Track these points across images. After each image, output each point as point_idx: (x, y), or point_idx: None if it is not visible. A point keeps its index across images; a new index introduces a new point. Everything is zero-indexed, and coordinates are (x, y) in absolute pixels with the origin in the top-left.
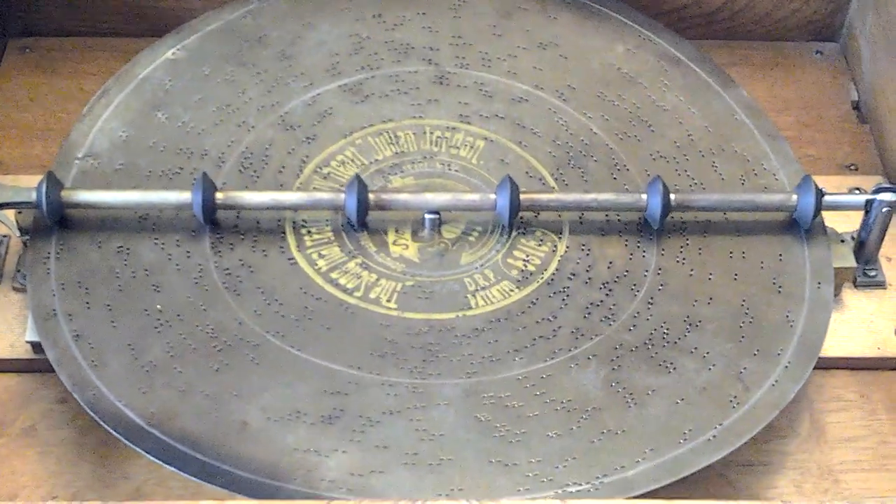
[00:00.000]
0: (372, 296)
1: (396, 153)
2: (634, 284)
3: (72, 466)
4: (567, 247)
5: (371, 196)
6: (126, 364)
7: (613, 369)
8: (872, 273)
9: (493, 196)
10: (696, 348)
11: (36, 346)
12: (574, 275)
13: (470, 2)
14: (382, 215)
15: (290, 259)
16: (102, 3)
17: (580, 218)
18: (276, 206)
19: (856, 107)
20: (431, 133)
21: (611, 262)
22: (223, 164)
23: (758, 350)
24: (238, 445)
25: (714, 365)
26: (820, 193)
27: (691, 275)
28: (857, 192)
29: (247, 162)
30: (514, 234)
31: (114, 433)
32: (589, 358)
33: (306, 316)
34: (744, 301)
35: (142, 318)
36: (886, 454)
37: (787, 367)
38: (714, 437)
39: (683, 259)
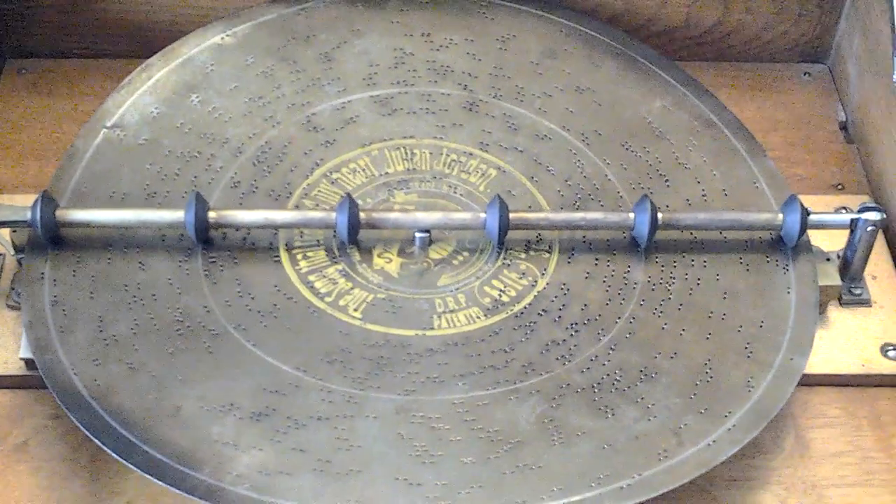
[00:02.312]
0: (341, 303)
1: (408, 169)
2: (602, 329)
3: (63, 482)
4: (547, 283)
5: (362, 215)
6: (90, 334)
7: (552, 407)
8: (857, 291)
9: (482, 215)
10: (642, 398)
11: (29, 363)
12: (545, 311)
13: (520, 38)
14: (376, 232)
15: (275, 256)
16: (98, 25)
17: (569, 258)
18: (267, 225)
19: (843, 127)
20: (447, 155)
21: (585, 305)
22: (240, 154)
23: (706, 409)
24: (164, 429)
25: (655, 416)
26: (805, 212)
27: (663, 328)
28: (843, 211)
29: (263, 156)
30: (498, 264)
31: (56, 400)
32: (531, 392)
33: (272, 313)
34: (708, 360)
35: (119, 293)
36: (871, 469)
37: (730, 429)
38: (628, 485)
39: (661, 312)
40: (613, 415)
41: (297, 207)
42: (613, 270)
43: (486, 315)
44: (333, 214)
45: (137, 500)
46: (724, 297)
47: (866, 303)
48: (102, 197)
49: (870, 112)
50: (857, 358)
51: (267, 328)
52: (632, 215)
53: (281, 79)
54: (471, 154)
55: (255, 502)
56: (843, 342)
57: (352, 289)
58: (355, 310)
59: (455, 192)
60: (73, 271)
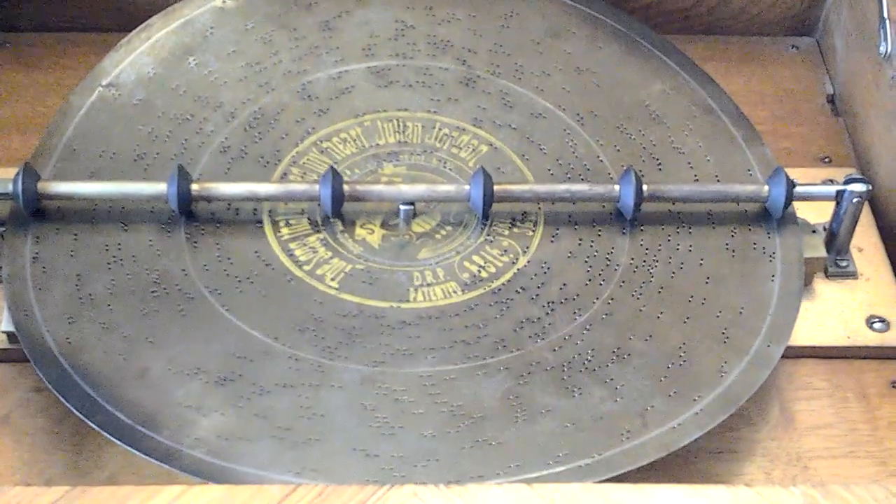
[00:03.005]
0: (319, 272)
1: (399, 142)
2: (579, 309)
3: (46, 455)
4: (528, 262)
5: (346, 187)
6: (67, 293)
7: (519, 384)
8: (844, 263)
9: (467, 187)
10: (611, 379)
11: (11, 337)
12: (523, 289)
13: (523, 15)
14: (361, 204)
15: (257, 222)
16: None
17: (553, 237)
18: (250, 198)
19: (830, 100)
20: (440, 130)
21: (564, 284)
22: (232, 119)
23: (674, 392)
24: (130, 390)
25: (622, 398)
26: (791, 184)
27: (641, 311)
28: (830, 183)
29: (255, 122)
30: (481, 240)
31: (27, 355)
32: (500, 369)
33: (249, 279)
34: (683, 344)
35: (99, 253)
36: (856, 441)
37: (697, 413)
38: (587, 465)
39: (640, 294)
40: (580, 394)
41: (284, 175)
42: (596, 251)
43: (463, 290)
44: (317, 187)
45: (121, 474)
46: (707, 282)
47: (852, 275)
48: (92, 156)
49: (857, 85)
50: (843, 330)
51: (242, 294)
52: (617, 187)
53: (279, 45)
54: (463, 129)
55: (211, 466)
56: (828, 315)
57: (331, 258)
58: (332, 279)
59: (444, 167)
60: (57, 229)
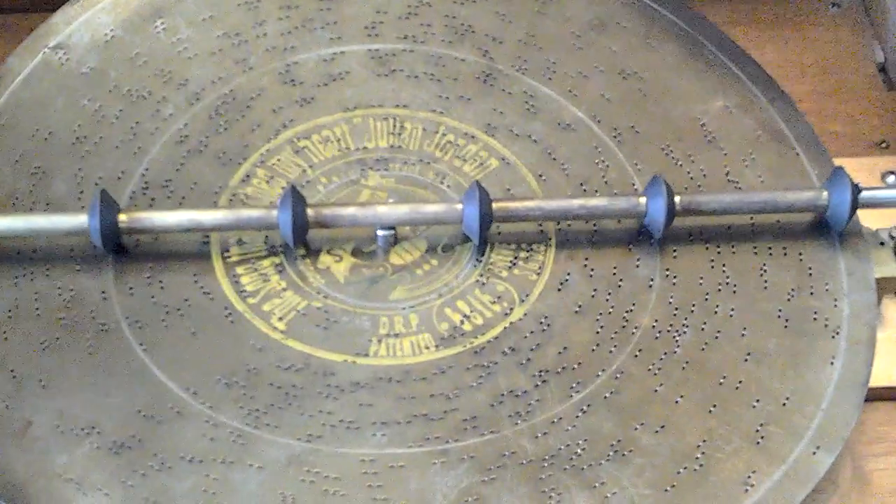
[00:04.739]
0: (266, 307)
1: (392, 146)
2: (578, 383)
3: None
4: (525, 313)
5: (310, 212)
6: None
7: (483, 481)
8: None
9: (459, 206)
10: (602, 483)
11: None
12: (512, 350)
13: (565, 2)
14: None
15: (204, 238)
16: None
17: (561, 284)
18: (195, 228)
19: (882, 69)
20: (443, 135)
21: (565, 348)
22: (196, 101)
23: None
24: (4, 448)
25: None
26: (856, 189)
27: (656, 391)
28: (893, 178)
29: (223, 107)
30: (472, 279)
31: None
32: (463, 458)
33: (179, 310)
34: (704, 442)
35: (8, 261)
36: None
37: None
38: None
39: (658, 369)
40: (558, 501)
41: (247, 177)
42: (612, 306)
43: (437, 346)
44: (275, 213)
45: None
46: (746, 359)
47: None
48: (22, 135)
49: None
50: None
51: (167, 329)
52: (643, 200)
53: (266, 14)
54: (472, 137)
55: None
56: None
57: (284, 290)
58: (280, 318)
59: (442, 183)
60: None
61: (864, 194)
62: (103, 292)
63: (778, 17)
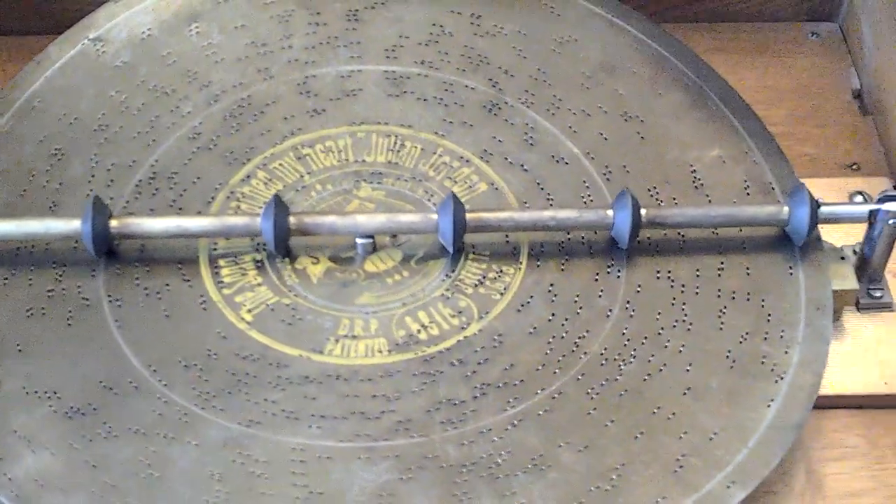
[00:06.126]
0: (238, 299)
1: (389, 162)
2: (515, 398)
3: None
4: (480, 330)
5: (292, 219)
6: None
7: (401, 479)
8: (878, 294)
9: (434, 216)
10: (512, 493)
11: None
12: (460, 362)
13: (581, 42)
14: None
15: None
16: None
17: (522, 305)
18: (182, 234)
19: (857, 96)
20: (439, 157)
21: (512, 365)
22: (214, 103)
23: None
24: None
25: None
26: (816, 204)
27: (589, 414)
28: (860, 198)
29: (238, 111)
30: (437, 293)
31: None
32: (388, 457)
33: (159, 294)
34: (622, 465)
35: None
36: None
37: None
38: None
39: (595, 393)
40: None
41: (247, 177)
42: (566, 331)
43: (390, 351)
44: (258, 220)
45: None
46: (685, 393)
47: (888, 307)
48: (51, 117)
49: (888, 78)
50: (879, 374)
51: (143, 308)
52: (610, 213)
53: (295, 28)
54: (467, 161)
55: None
56: (861, 356)
57: (258, 285)
58: (249, 310)
59: (429, 200)
60: None
61: (824, 209)
62: (93, 270)
63: (759, 45)
